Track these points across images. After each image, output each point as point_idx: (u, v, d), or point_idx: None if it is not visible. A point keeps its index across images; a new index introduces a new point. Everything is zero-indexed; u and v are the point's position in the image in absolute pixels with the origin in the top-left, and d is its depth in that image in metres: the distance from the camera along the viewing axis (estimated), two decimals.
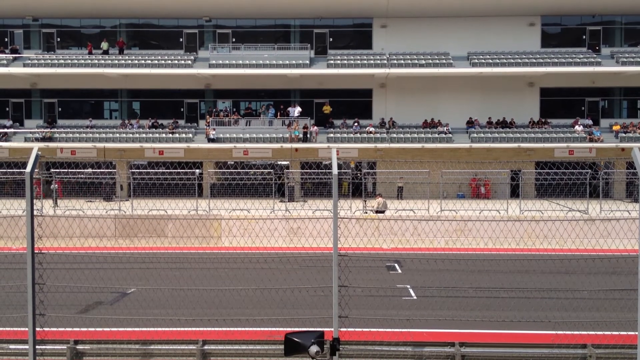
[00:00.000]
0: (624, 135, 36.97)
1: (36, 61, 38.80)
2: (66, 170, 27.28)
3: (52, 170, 28.52)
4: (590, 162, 34.29)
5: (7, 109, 41.17)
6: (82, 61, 38.55)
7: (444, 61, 37.85)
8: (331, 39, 40.64)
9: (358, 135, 37.67)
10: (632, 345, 7.25)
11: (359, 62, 38.10)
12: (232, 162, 38.31)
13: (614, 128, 38.25)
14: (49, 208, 26.40)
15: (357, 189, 31.29)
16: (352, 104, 40.42)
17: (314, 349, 5.74)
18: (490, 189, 36.69)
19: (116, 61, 38.59)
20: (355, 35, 41.05)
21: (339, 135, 37.77)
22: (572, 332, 8.41)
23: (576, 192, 27.26)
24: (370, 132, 37.70)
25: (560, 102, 40.05)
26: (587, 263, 11.54)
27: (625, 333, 7.92)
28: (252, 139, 37.50)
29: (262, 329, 9.95)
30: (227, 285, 12.83)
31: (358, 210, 25.53)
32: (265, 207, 24.91)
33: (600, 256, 12.10)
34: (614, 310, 10.30)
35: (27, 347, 7.08)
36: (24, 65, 38.68)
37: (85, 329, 8.69)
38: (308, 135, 37.42)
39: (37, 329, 7.15)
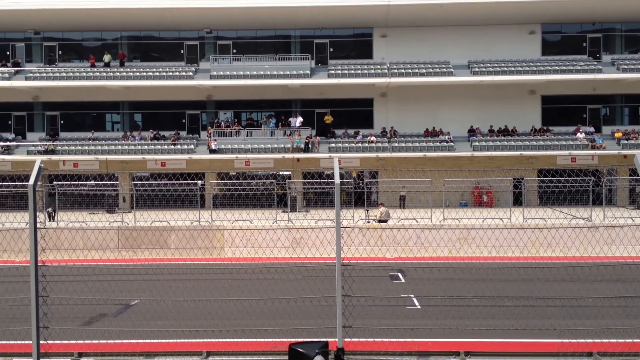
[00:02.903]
0: (626, 142, 36.97)
1: (38, 74, 38.96)
2: (69, 182, 27.27)
3: (55, 182, 28.54)
4: (592, 169, 34.25)
5: (10, 122, 41.35)
6: (84, 74, 38.72)
7: (445, 70, 37.92)
8: (331, 49, 40.76)
9: (360, 144, 37.69)
10: (638, 352, 7.21)
11: (359, 71, 38.19)
12: (234, 173, 38.35)
13: (616, 135, 38.25)
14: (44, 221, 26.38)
15: (359, 199, 31.26)
16: (353, 113, 40.48)
17: (318, 359, 5.72)
18: (492, 197, 36.63)
19: (117, 73, 38.71)
20: (356, 45, 41.17)
21: (340, 145, 37.81)
22: (578, 340, 8.34)
23: (579, 200, 27.22)
24: (372, 142, 37.73)
25: (561, 110, 40.08)
26: (591, 270, 11.50)
27: (631, 340, 7.87)
28: (253, 149, 37.55)
29: (266, 339, 9.92)
30: (231, 296, 12.79)
31: (361, 219, 25.48)
32: (267, 217, 24.88)
33: (604, 263, 12.05)
34: (619, 317, 10.25)
35: None
36: (26, 79, 38.85)
37: (89, 341, 8.65)
38: (310, 145, 37.45)
39: (41, 341, 7.14)
